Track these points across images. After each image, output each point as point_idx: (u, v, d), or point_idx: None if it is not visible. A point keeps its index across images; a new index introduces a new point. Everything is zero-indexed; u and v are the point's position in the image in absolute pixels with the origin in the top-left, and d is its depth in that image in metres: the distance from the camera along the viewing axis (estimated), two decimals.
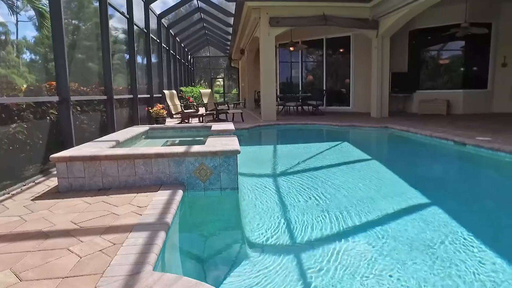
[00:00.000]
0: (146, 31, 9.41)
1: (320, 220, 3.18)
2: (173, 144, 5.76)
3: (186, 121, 10.09)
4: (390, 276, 2.18)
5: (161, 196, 3.29)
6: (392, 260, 2.37)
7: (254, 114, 13.91)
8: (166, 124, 9.49)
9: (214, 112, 10.70)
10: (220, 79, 31.78)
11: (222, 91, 29.77)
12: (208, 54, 27.00)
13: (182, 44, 16.58)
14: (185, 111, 9.89)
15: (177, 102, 10.25)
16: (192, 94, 13.94)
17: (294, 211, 3.46)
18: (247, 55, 16.60)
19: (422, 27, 11.90)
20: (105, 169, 3.60)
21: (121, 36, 7.80)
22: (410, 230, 2.87)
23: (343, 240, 2.76)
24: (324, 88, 14.25)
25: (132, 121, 8.07)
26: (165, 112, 9.49)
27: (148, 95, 9.58)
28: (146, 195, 3.36)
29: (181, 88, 14.59)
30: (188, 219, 3.29)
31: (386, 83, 11.36)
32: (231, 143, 4.22)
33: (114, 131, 6.58)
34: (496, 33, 11.34)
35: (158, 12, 11.04)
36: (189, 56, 20.53)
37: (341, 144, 8.16)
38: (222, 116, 11.00)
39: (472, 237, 2.67)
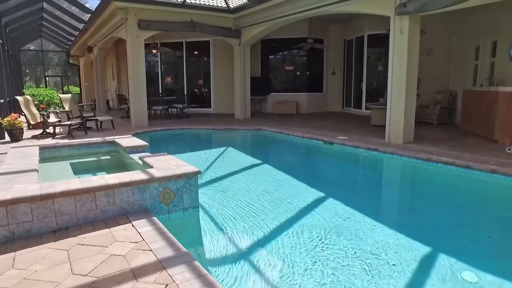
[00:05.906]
0: None
1: (254, 222, 3.83)
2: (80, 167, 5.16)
3: (48, 131, 8.72)
4: (323, 248, 3.21)
5: (142, 227, 3.17)
6: (320, 235, 3.44)
7: (115, 118, 12.97)
8: (24, 138, 8.05)
9: (81, 120, 9.59)
10: (49, 77, 27.39)
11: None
12: (39, 47, 22.76)
13: (11, 35, 13.66)
14: (49, 120, 8.49)
15: (35, 110, 8.69)
16: (42, 99, 11.79)
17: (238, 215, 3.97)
18: (98, 53, 15.11)
19: (272, 38, 13.65)
20: (60, 207, 3.15)
21: None
22: (325, 216, 3.97)
23: (283, 232, 3.56)
24: (186, 91, 14.54)
25: None
26: (22, 123, 8.01)
27: None
28: (123, 228, 3.17)
29: (26, 92, 12.08)
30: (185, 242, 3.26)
31: (248, 87, 12.59)
32: (180, 162, 4.26)
33: None
34: (327, 48, 14.12)
35: None
36: (16, 50, 16.98)
37: (227, 149, 8.67)
38: (90, 124, 9.96)
39: (356, 209, 4.14)
